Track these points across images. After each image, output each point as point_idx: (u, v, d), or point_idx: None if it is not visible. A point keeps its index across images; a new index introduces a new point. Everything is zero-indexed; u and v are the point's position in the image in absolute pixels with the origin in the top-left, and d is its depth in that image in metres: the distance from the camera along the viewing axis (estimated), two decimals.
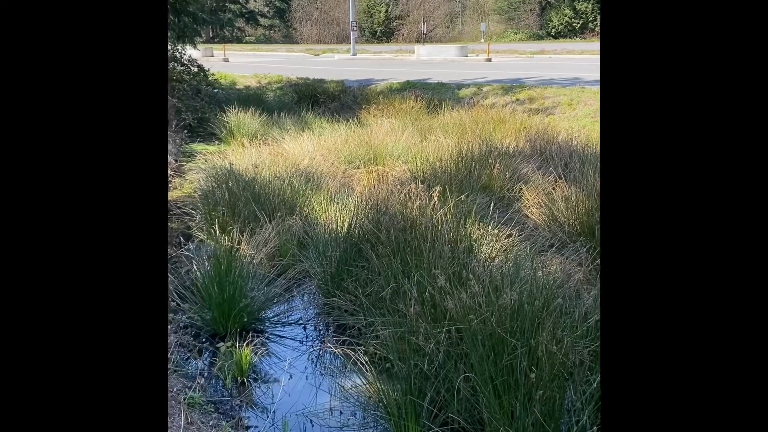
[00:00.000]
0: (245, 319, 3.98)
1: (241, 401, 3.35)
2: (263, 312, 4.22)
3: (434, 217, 4.22)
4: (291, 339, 4.04)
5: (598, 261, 4.30)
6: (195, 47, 13.36)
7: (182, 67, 12.58)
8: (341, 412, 3.22)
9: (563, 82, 12.91)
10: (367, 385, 3.23)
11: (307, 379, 3.59)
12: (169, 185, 7.59)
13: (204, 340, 3.93)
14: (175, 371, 3.38)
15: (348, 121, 10.10)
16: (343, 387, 3.36)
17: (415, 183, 5.18)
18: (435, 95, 12.46)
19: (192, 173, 8.04)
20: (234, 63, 22.80)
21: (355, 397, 3.26)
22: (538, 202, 5.47)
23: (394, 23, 43.62)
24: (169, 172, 8.09)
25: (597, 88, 11.11)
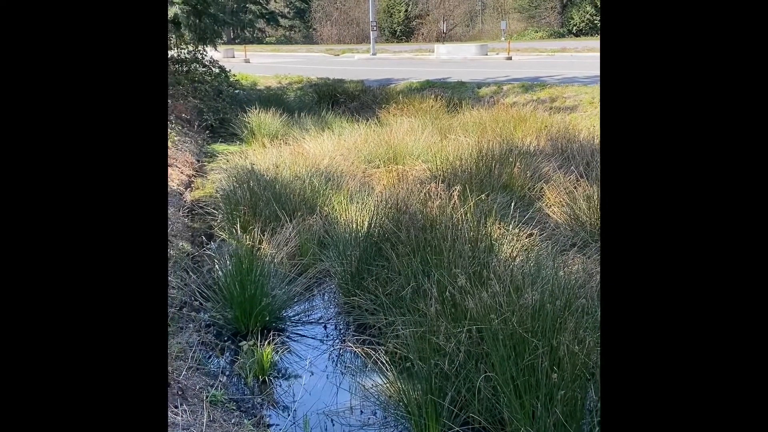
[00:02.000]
0: (267, 318, 4.01)
1: (262, 399, 3.37)
2: (284, 311, 4.24)
3: (454, 216, 4.20)
4: (312, 338, 4.06)
5: None
6: (216, 48, 13.49)
7: (204, 69, 12.73)
8: (362, 411, 3.23)
9: (585, 81, 12.78)
10: (388, 385, 3.23)
11: (327, 377, 3.60)
12: (191, 185, 7.68)
13: (226, 338, 3.97)
14: (197, 369, 3.41)
15: (368, 120, 10.11)
16: (363, 386, 3.37)
17: (435, 182, 5.16)
18: (455, 94, 12.42)
19: (214, 173, 8.11)
20: (255, 64, 22.96)
21: (376, 397, 3.27)
22: (560, 201, 5.42)
23: (414, 22, 43.58)
24: (191, 172, 8.18)
25: None
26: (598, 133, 8.04)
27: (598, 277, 3.71)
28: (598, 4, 37.22)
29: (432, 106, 10.71)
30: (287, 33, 45.45)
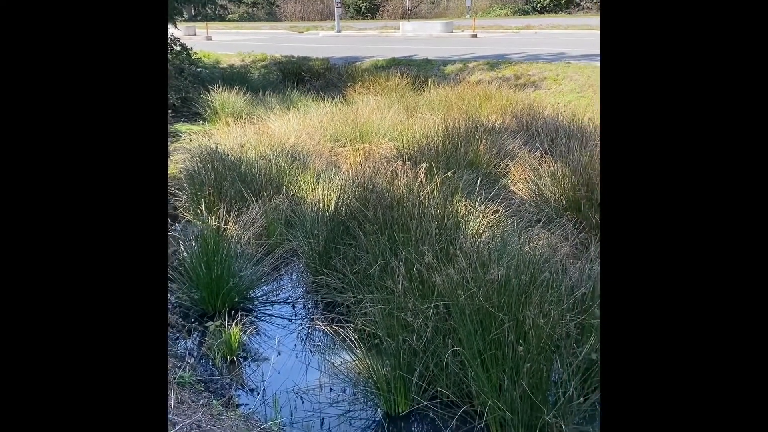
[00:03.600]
0: (234, 299, 3.99)
1: (231, 380, 3.37)
2: (252, 291, 4.22)
3: (421, 194, 4.22)
4: (280, 317, 4.05)
5: (584, 235, 4.34)
6: (176, 26, 13.16)
7: None
8: (331, 389, 3.25)
9: (549, 58, 12.86)
10: (357, 362, 3.25)
11: (296, 357, 3.61)
12: None
13: (193, 320, 3.94)
14: None
15: (333, 99, 10.03)
16: (332, 364, 3.39)
17: (402, 160, 5.16)
18: (421, 72, 12.38)
19: (177, 153, 7.96)
20: (217, 41, 22.47)
21: (345, 374, 3.29)
22: (525, 177, 5.49)
23: None
24: None
25: (583, 63, 11.07)
26: (562, 109, 8.13)
27: (562, 251, 3.79)
28: None
29: (398, 84, 10.66)
30: (250, 10, 44.52)
